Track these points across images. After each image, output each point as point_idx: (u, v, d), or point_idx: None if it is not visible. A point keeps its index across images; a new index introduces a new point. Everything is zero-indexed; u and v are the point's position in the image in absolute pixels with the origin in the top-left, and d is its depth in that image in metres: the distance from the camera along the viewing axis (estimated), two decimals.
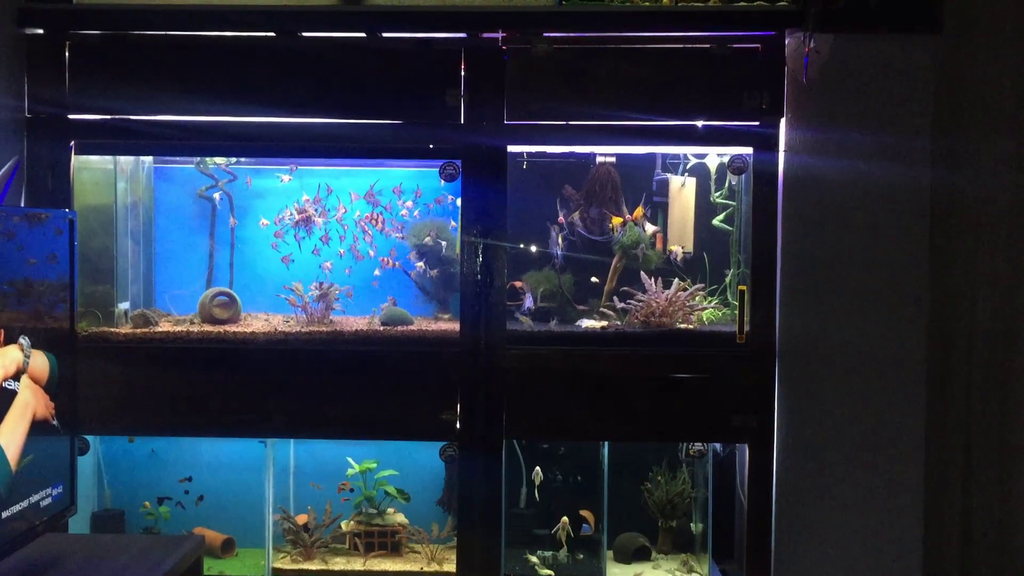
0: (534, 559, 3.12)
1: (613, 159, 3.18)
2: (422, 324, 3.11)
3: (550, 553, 3.15)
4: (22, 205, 2.84)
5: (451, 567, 3.02)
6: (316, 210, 3.20)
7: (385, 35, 2.87)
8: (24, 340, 2.08)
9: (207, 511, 3.28)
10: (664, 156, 3.22)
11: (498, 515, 2.92)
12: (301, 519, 3.21)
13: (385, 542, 3.17)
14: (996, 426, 3.06)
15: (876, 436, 2.85)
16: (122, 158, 3.17)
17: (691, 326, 3.02)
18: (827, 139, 2.82)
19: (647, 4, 2.84)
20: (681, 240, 3.22)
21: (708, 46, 2.83)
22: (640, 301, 3.04)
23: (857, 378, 2.85)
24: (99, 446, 3.25)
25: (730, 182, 3.14)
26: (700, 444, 3.10)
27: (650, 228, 3.17)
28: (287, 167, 3.26)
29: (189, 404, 2.91)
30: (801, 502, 2.86)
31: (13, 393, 2.03)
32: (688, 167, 3.22)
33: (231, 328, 3.01)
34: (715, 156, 3.15)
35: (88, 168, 3.04)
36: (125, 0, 2.86)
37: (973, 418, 3.06)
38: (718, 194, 3.18)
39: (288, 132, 2.90)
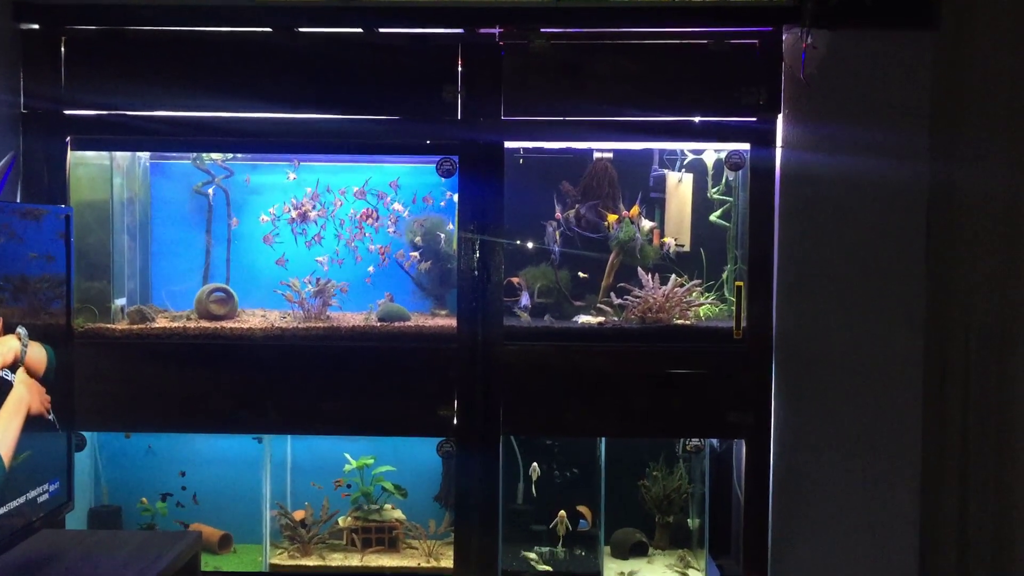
0: (532, 555, 3.13)
1: (610, 155, 3.18)
2: (419, 320, 3.11)
3: (547, 549, 3.16)
4: (18, 201, 2.83)
5: (448, 563, 3.03)
6: (315, 207, 3.19)
7: (382, 31, 2.86)
8: (22, 330, 2.08)
9: (204, 507, 3.28)
10: (661, 152, 3.22)
11: (495, 511, 2.92)
12: (298, 515, 3.21)
13: (382, 538, 3.18)
14: (993, 422, 3.07)
15: (873, 432, 2.85)
16: (118, 154, 3.16)
17: (688, 322, 3.02)
18: (824, 135, 2.82)
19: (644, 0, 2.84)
20: (678, 236, 3.22)
21: (705, 42, 2.83)
22: (637, 297, 3.04)
23: (854, 374, 2.85)
24: (96, 442, 3.25)
25: (727, 178, 3.14)
26: (697, 440, 3.11)
27: (647, 224, 3.17)
28: (284, 162, 3.26)
29: (186, 400, 2.91)
30: (798, 498, 2.87)
31: (9, 384, 2.03)
32: (685, 163, 3.22)
33: (228, 324, 3.01)
34: (712, 152, 3.15)
35: (84, 164, 3.03)
36: None
37: (970, 414, 3.06)
38: (715, 190, 3.18)
39: (285, 128, 2.89)
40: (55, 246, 2.26)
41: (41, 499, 2.18)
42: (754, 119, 2.84)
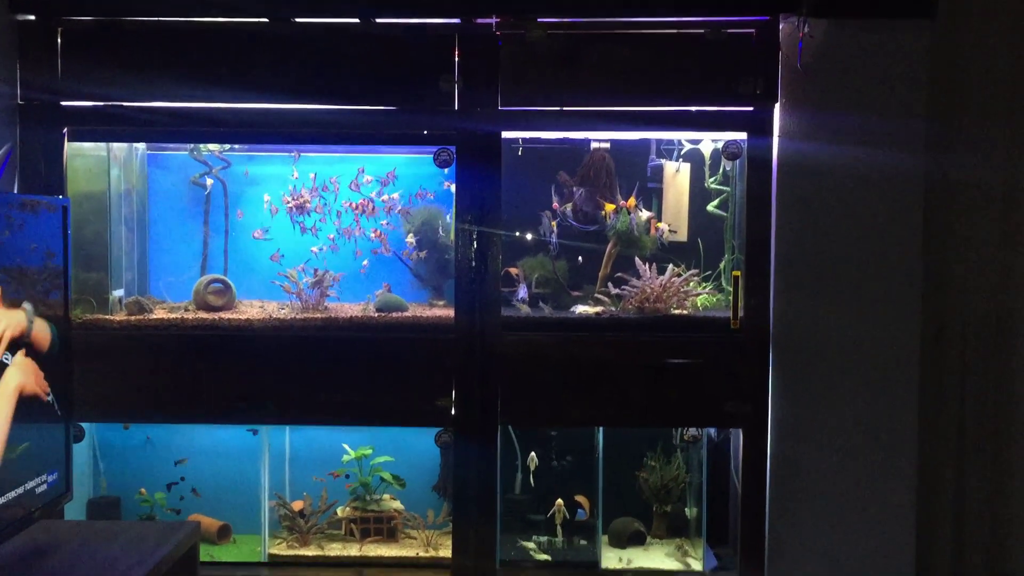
0: (530, 545, 3.13)
1: (607, 145, 3.18)
2: (417, 310, 3.11)
3: (545, 538, 3.16)
4: (15, 192, 2.83)
5: (447, 553, 3.04)
6: (313, 201, 3.19)
7: (378, 21, 2.86)
8: (27, 305, 2.08)
9: (203, 498, 3.29)
10: (658, 142, 3.22)
11: (493, 501, 2.93)
12: (297, 505, 3.21)
13: (381, 528, 3.18)
14: (990, 410, 3.07)
15: (870, 420, 2.86)
16: (115, 145, 3.16)
17: (685, 312, 3.02)
18: (821, 124, 2.81)
19: None
20: (675, 226, 3.22)
21: (702, 31, 2.82)
22: (635, 287, 3.04)
23: (851, 363, 2.85)
24: (94, 433, 3.25)
25: (724, 168, 3.14)
26: (694, 429, 3.11)
27: (644, 214, 3.17)
28: (281, 153, 3.26)
29: (184, 391, 2.91)
30: (795, 487, 2.87)
31: (3, 366, 2.03)
32: (682, 153, 3.22)
33: (226, 315, 3.01)
34: (709, 142, 3.15)
35: (81, 155, 3.03)
36: None
37: (967, 404, 3.07)
38: (712, 180, 3.18)
39: (281, 119, 2.89)
40: (52, 237, 2.25)
41: (39, 490, 2.18)
42: (751, 108, 2.84)
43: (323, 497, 3.22)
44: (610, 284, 3.11)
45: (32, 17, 2.85)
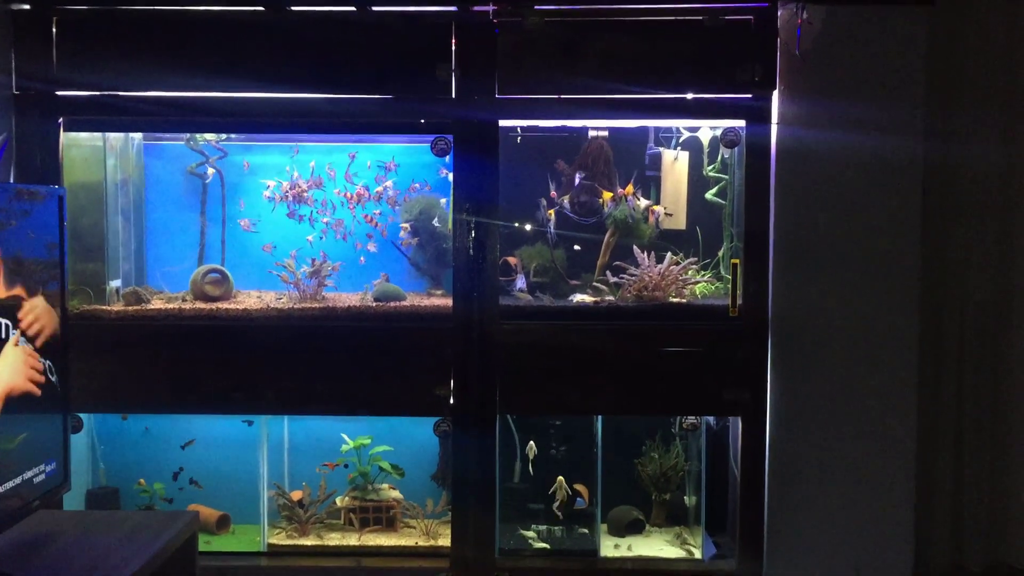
0: (529, 534, 3.13)
1: (606, 133, 3.17)
2: (415, 300, 3.11)
3: (544, 527, 3.16)
4: (11, 182, 2.82)
5: (446, 542, 3.04)
6: (309, 190, 3.18)
7: (375, 9, 2.84)
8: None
9: (202, 487, 3.28)
10: (656, 130, 3.21)
11: (492, 490, 2.93)
12: (296, 495, 3.21)
13: (380, 517, 3.19)
14: (988, 395, 3.08)
15: (868, 408, 2.86)
16: (111, 135, 3.15)
17: (684, 300, 3.02)
18: (820, 111, 2.81)
19: None
20: (674, 214, 3.21)
21: (700, 18, 2.81)
22: (633, 275, 3.04)
23: (850, 350, 2.85)
24: (93, 424, 3.25)
25: (723, 155, 3.13)
26: (693, 418, 3.11)
27: (643, 202, 3.16)
28: (277, 143, 3.25)
29: (182, 381, 2.91)
30: (793, 474, 2.88)
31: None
32: (680, 141, 3.21)
33: (223, 305, 3.00)
34: (708, 129, 3.14)
35: (77, 145, 3.02)
36: None
37: (965, 388, 3.08)
38: (711, 168, 3.17)
39: (278, 108, 2.88)
40: (49, 228, 2.24)
41: (37, 480, 2.18)
42: (749, 96, 2.83)
43: (322, 487, 3.22)
44: (608, 273, 3.10)
45: (27, 6, 2.84)
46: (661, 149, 3.22)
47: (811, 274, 2.84)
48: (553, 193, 3.17)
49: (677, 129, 3.19)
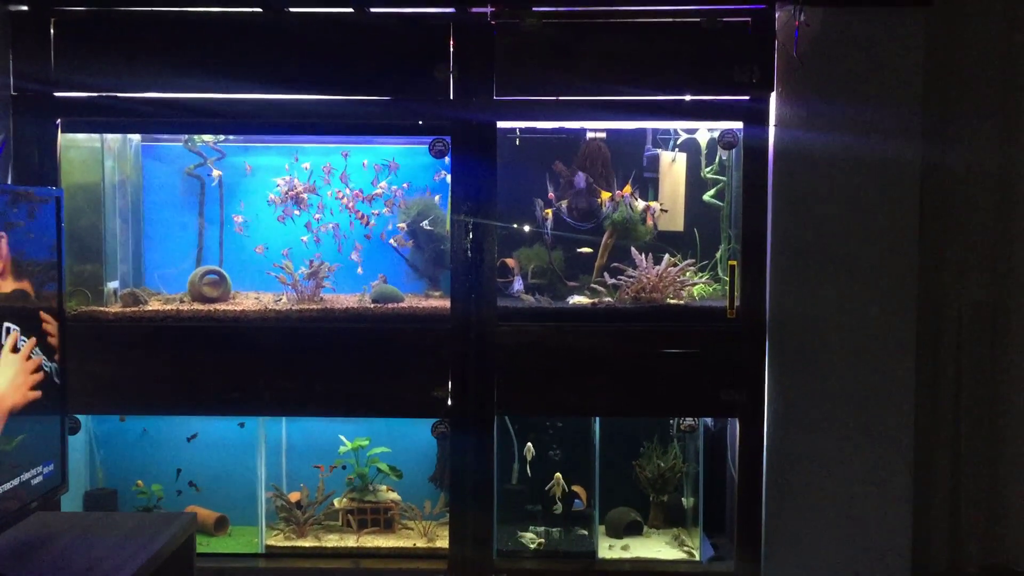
0: (528, 535, 3.13)
1: (603, 135, 3.17)
2: (413, 301, 3.11)
3: (542, 529, 3.16)
4: (9, 183, 2.82)
5: (444, 543, 3.04)
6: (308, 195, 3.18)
7: (373, 10, 2.84)
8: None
9: (200, 489, 3.28)
10: (654, 132, 3.21)
11: (490, 491, 2.93)
12: (294, 496, 3.21)
13: (378, 519, 3.18)
14: (985, 395, 3.08)
15: (866, 409, 2.86)
16: (109, 136, 3.15)
17: (682, 301, 3.02)
18: (817, 113, 2.81)
19: None
20: (672, 216, 3.22)
21: (698, 20, 2.81)
22: (631, 277, 3.04)
23: (847, 351, 2.85)
24: (91, 425, 3.25)
25: (720, 157, 3.14)
26: (691, 419, 3.11)
27: (640, 204, 3.17)
28: (275, 144, 3.25)
29: (179, 383, 2.91)
30: (791, 476, 2.88)
31: None
32: (678, 143, 3.21)
33: (221, 306, 3.00)
34: (705, 131, 3.14)
35: (75, 146, 3.02)
36: None
37: (963, 389, 3.08)
38: (708, 169, 3.18)
39: (276, 109, 2.88)
40: (46, 229, 2.24)
41: (35, 481, 2.17)
42: (747, 97, 2.84)
43: (320, 488, 3.22)
44: (606, 274, 3.11)
45: (25, 7, 2.84)
46: (659, 151, 3.23)
47: (809, 276, 2.85)
48: (551, 195, 3.18)
49: (675, 131, 3.19)
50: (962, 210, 3.05)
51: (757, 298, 2.86)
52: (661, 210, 3.17)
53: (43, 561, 2.08)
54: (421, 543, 3.12)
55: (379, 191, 3.19)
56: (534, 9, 2.81)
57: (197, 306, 3.01)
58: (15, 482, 2.08)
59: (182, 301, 3.09)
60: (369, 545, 3.12)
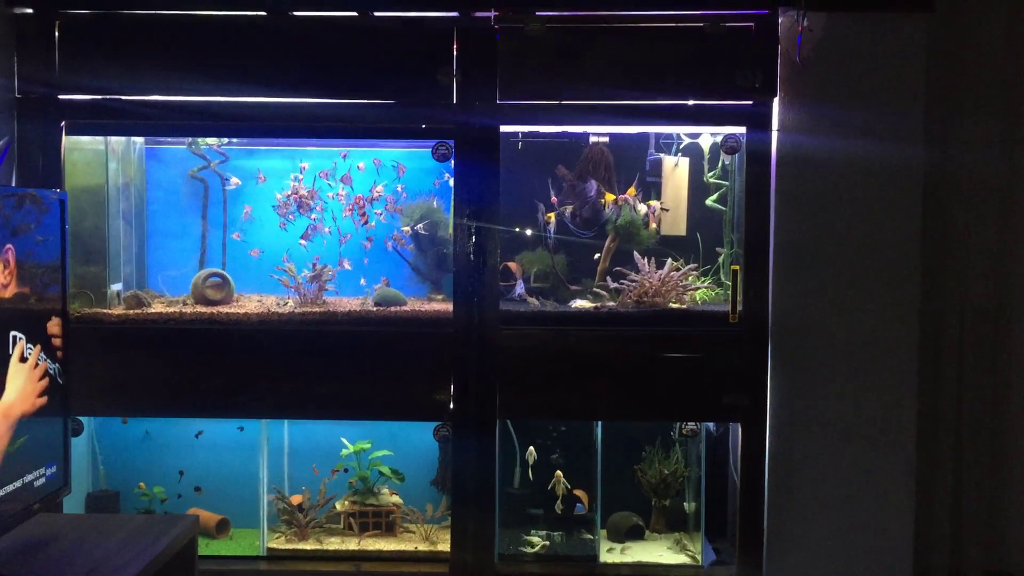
0: (535, 538, 3.13)
1: (606, 139, 3.18)
2: (415, 305, 3.11)
3: (544, 532, 3.16)
4: (13, 185, 2.82)
5: (445, 547, 3.04)
6: (312, 201, 3.19)
7: (377, 14, 2.85)
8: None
9: (202, 491, 3.29)
10: (657, 136, 3.21)
11: (492, 495, 2.93)
12: (296, 499, 3.21)
13: (379, 522, 3.18)
14: (988, 403, 3.08)
15: (868, 413, 2.86)
16: (113, 138, 3.15)
17: (684, 306, 3.02)
18: (820, 118, 2.81)
19: None
20: (674, 220, 3.22)
21: (701, 25, 2.82)
22: (633, 281, 3.04)
23: (850, 356, 2.85)
24: (93, 427, 3.25)
25: (723, 162, 3.14)
26: (693, 424, 3.11)
27: (643, 208, 3.17)
28: (279, 147, 3.26)
29: (182, 385, 2.91)
30: (794, 480, 2.88)
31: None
32: (681, 147, 3.21)
33: (224, 309, 3.01)
34: (708, 136, 3.15)
35: (79, 149, 3.03)
36: None
37: (965, 393, 3.08)
38: (711, 174, 3.18)
39: (280, 112, 2.89)
40: (50, 231, 2.25)
41: (38, 483, 2.18)
42: (750, 102, 2.84)
43: (322, 491, 3.22)
44: (609, 278, 3.11)
45: (29, 10, 2.85)
46: (662, 155, 3.23)
47: (811, 280, 2.85)
48: (554, 199, 3.18)
49: (678, 135, 3.19)
50: (964, 215, 3.05)
51: (759, 302, 2.86)
52: (662, 209, 3.17)
53: (45, 563, 2.08)
54: (423, 546, 3.12)
55: (375, 194, 3.18)
56: (537, 13, 2.82)
57: (200, 309, 3.02)
58: (18, 483, 2.09)
59: (185, 304, 3.10)
60: (371, 548, 3.12)
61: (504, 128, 2.89)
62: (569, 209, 3.17)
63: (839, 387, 2.86)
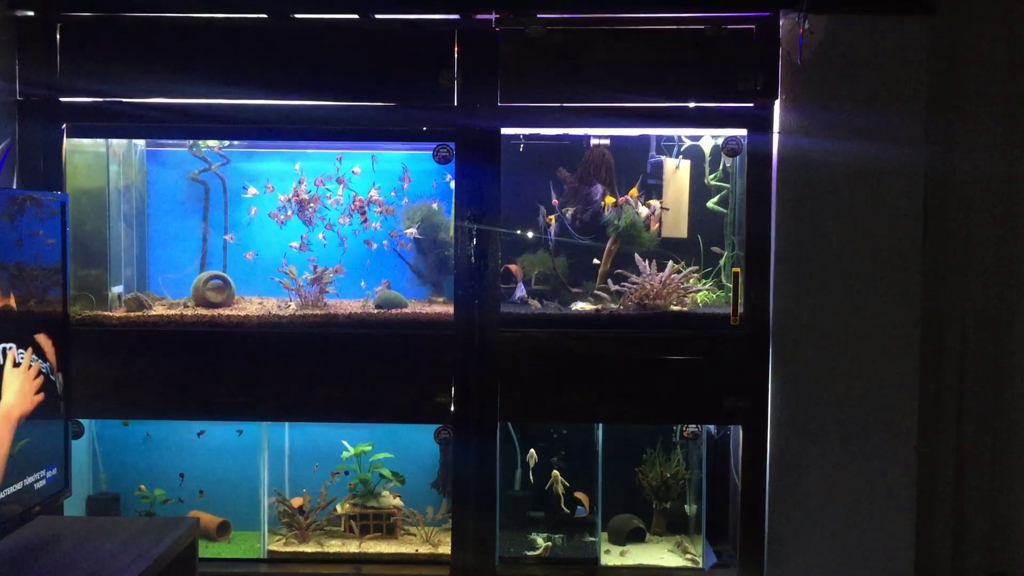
0: (539, 539, 3.13)
1: (607, 142, 3.18)
2: (416, 307, 3.11)
3: (545, 535, 3.16)
4: (14, 188, 2.82)
5: (446, 549, 3.03)
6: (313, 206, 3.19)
7: (377, 16, 2.85)
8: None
9: (203, 495, 3.29)
10: (658, 138, 3.21)
11: (493, 497, 2.92)
12: (296, 502, 3.21)
13: (380, 524, 3.18)
14: (989, 406, 3.08)
15: (869, 416, 2.86)
16: (114, 141, 3.16)
17: (685, 308, 3.02)
18: (821, 120, 2.81)
19: None
20: (676, 222, 3.22)
21: (702, 27, 2.82)
22: (635, 284, 3.04)
23: (851, 358, 2.85)
24: (94, 430, 3.25)
25: (724, 164, 3.14)
26: (694, 426, 3.11)
27: (644, 210, 3.17)
28: (280, 149, 3.26)
29: (183, 388, 2.91)
30: (794, 482, 2.87)
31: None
32: (682, 149, 3.21)
33: (225, 312, 3.01)
34: (709, 138, 3.14)
35: (80, 151, 3.03)
36: None
37: (966, 396, 3.08)
38: (712, 176, 3.18)
39: (281, 115, 2.89)
40: (51, 233, 2.25)
41: (38, 485, 2.18)
42: (751, 105, 2.84)
43: (322, 493, 3.22)
44: (610, 281, 3.11)
45: (31, 13, 2.85)
46: (663, 157, 3.23)
47: (812, 283, 2.85)
48: (555, 201, 3.18)
49: (679, 138, 3.19)
50: (965, 217, 3.05)
51: (760, 305, 2.86)
52: (662, 208, 3.17)
53: (46, 565, 2.08)
54: (423, 549, 3.12)
55: (373, 196, 3.18)
56: (538, 16, 2.81)
57: (201, 311, 3.02)
58: (18, 486, 2.09)
59: (186, 306, 3.10)
60: (371, 551, 3.12)
61: (505, 130, 2.89)
62: (570, 211, 3.17)
63: (840, 389, 2.86)
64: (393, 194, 3.22)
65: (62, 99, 2.87)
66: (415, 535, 3.19)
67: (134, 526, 2.36)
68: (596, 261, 3.19)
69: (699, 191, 3.20)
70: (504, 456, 3.07)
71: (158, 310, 3.04)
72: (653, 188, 3.24)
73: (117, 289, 3.14)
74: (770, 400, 2.87)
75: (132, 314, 2.98)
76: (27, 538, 2.20)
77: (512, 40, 2.83)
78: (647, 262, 3.05)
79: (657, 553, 3.13)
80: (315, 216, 3.18)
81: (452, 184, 2.96)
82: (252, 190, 3.22)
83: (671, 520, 3.25)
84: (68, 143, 2.89)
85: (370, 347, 2.90)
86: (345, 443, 3.23)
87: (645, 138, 3.21)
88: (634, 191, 3.15)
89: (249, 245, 3.27)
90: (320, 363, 2.90)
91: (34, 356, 2.16)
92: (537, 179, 3.18)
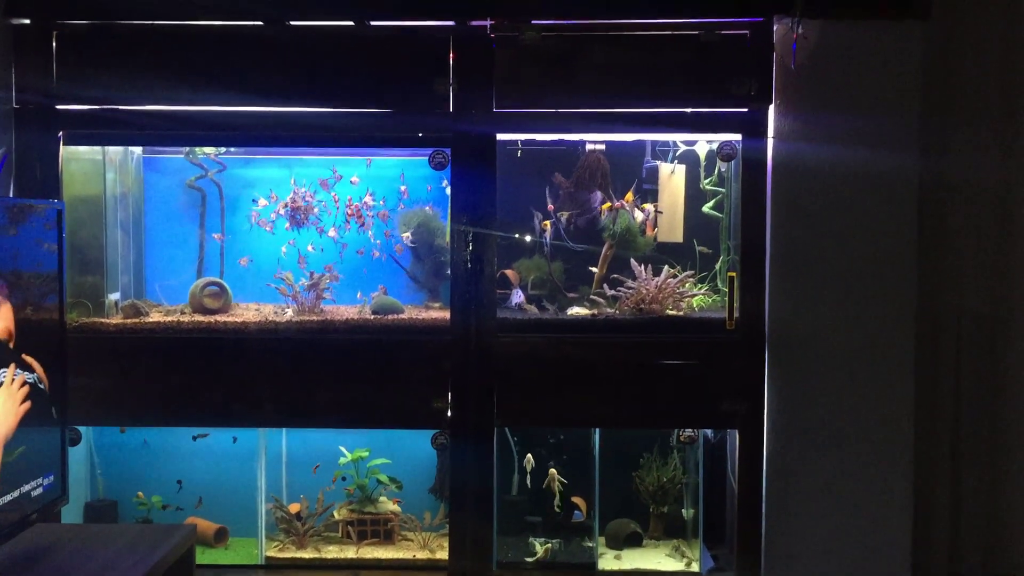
0: (538, 542, 3.13)
1: (603, 147, 3.18)
2: (413, 312, 3.12)
3: (542, 539, 3.16)
4: (11, 196, 2.83)
5: (443, 555, 3.04)
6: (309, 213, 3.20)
7: (373, 23, 2.86)
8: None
9: (200, 500, 3.29)
10: (653, 143, 3.22)
11: (490, 502, 2.93)
12: (294, 508, 3.21)
13: (378, 530, 3.19)
14: (985, 409, 3.08)
15: (866, 420, 2.86)
16: (111, 148, 3.16)
17: (681, 313, 3.02)
18: (816, 125, 2.82)
19: None
20: (671, 227, 3.22)
21: (696, 33, 2.83)
22: (630, 288, 3.04)
23: (847, 362, 2.86)
24: (91, 436, 3.25)
25: (719, 169, 3.15)
26: (691, 430, 3.12)
27: (640, 215, 3.18)
28: (276, 156, 3.27)
29: (180, 394, 2.91)
30: (791, 486, 2.88)
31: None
32: (677, 154, 3.22)
33: (222, 318, 3.01)
34: (704, 143, 3.15)
35: (77, 159, 3.03)
36: None
37: (962, 401, 3.08)
38: (707, 181, 3.19)
39: (276, 121, 2.89)
40: (48, 241, 2.26)
41: (35, 493, 2.18)
42: (745, 110, 2.85)
43: (320, 499, 3.22)
44: (606, 285, 3.11)
45: (27, 21, 2.86)
46: (658, 162, 3.24)
47: (808, 287, 2.85)
48: (550, 206, 3.19)
49: (674, 143, 3.20)
50: (960, 221, 3.06)
51: (756, 309, 2.87)
52: (656, 211, 3.17)
53: (43, 573, 2.08)
54: (421, 554, 3.12)
55: (362, 204, 3.19)
56: (533, 22, 2.82)
57: (198, 317, 3.02)
58: (15, 493, 2.09)
59: (183, 313, 3.10)
60: (369, 556, 3.12)
61: (500, 136, 2.90)
62: (565, 216, 3.18)
63: (836, 393, 2.86)
64: (382, 201, 3.22)
65: (58, 107, 2.88)
66: (412, 540, 3.19)
67: (132, 533, 2.36)
68: (592, 269, 3.20)
69: (695, 195, 3.21)
70: (501, 461, 3.07)
71: (155, 317, 3.04)
72: (649, 193, 3.24)
73: (114, 296, 3.15)
74: (766, 404, 2.87)
75: (129, 321, 2.99)
76: (24, 546, 2.21)
77: (507, 46, 2.84)
78: (643, 267, 3.06)
79: (654, 557, 3.13)
80: (310, 221, 3.18)
81: (448, 190, 2.96)
82: (262, 201, 3.22)
83: (668, 524, 3.26)
84: (64, 151, 2.90)
85: (367, 353, 2.90)
86: (342, 449, 3.23)
87: (640, 143, 3.21)
88: (629, 195, 3.16)
89: (246, 251, 3.27)
90: (317, 369, 2.91)
91: (18, 370, 2.13)
92: (533, 184, 3.18)
